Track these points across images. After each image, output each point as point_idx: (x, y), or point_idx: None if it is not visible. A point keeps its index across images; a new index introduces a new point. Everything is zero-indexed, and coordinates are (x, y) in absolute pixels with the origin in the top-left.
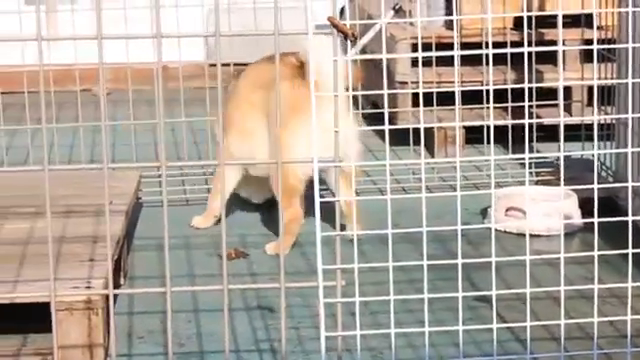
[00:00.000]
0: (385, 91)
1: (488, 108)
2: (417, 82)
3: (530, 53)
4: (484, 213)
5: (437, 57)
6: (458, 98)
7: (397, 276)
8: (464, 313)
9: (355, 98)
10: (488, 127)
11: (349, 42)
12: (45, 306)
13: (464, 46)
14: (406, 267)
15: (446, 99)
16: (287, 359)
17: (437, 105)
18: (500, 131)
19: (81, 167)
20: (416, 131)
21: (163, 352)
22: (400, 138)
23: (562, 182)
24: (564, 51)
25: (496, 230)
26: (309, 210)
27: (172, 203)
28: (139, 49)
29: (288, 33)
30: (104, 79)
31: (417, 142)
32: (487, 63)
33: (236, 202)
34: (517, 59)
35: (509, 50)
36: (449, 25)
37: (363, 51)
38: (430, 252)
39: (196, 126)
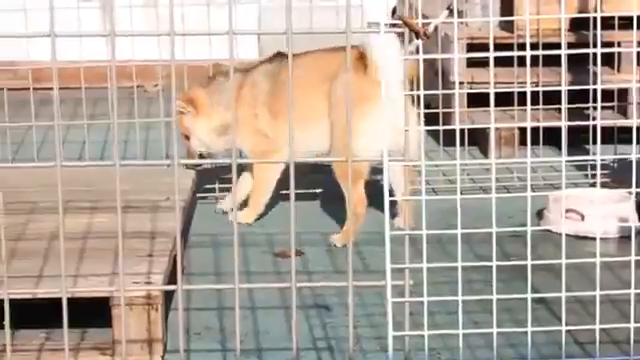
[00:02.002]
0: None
1: (537, 110)
2: (472, 82)
3: (586, 54)
4: (540, 214)
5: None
6: (492, 99)
7: (453, 277)
8: (521, 314)
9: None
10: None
11: (420, 40)
12: (104, 301)
13: (519, 47)
14: (462, 268)
15: (502, 100)
16: (352, 357)
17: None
18: (556, 132)
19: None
20: (470, 132)
21: (220, 348)
22: (453, 138)
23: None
24: (620, 53)
25: (553, 232)
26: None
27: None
28: (194, 46)
29: (359, 31)
30: (160, 75)
31: (471, 143)
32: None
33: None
34: (573, 60)
35: (563, 52)
36: (504, 26)
37: (416, 50)
38: (484, 253)
39: None
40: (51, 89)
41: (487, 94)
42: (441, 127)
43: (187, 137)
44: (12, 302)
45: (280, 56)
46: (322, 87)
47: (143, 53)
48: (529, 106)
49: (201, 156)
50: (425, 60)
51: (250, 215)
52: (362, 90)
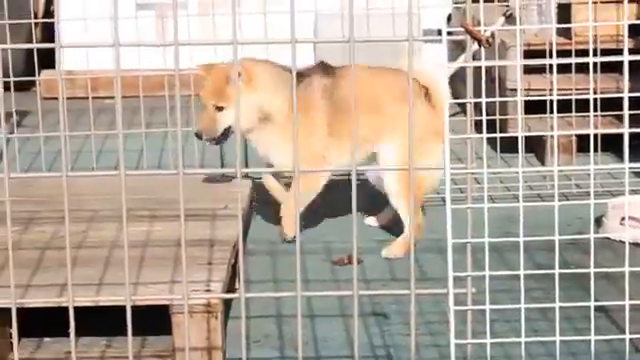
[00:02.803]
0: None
1: (596, 116)
2: (528, 89)
3: None
4: (598, 222)
5: (549, 64)
6: (548, 106)
7: (511, 285)
8: (580, 323)
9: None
10: (602, 135)
11: (482, 48)
12: (163, 309)
13: (577, 53)
14: (520, 276)
15: (559, 107)
16: None
17: (549, 112)
18: (612, 140)
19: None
20: (526, 139)
21: (279, 356)
22: (510, 146)
23: None
24: None
25: (612, 239)
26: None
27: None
28: (249, 54)
29: (423, 39)
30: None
31: (527, 150)
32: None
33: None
34: (633, 67)
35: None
36: (561, 32)
37: (472, 57)
38: (542, 261)
39: None
40: (108, 98)
41: (543, 102)
42: (498, 134)
43: (218, 108)
44: (74, 309)
45: (327, 68)
46: (387, 109)
47: (200, 61)
48: (592, 112)
49: (222, 134)
50: (479, 67)
51: (291, 226)
52: (433, 124)
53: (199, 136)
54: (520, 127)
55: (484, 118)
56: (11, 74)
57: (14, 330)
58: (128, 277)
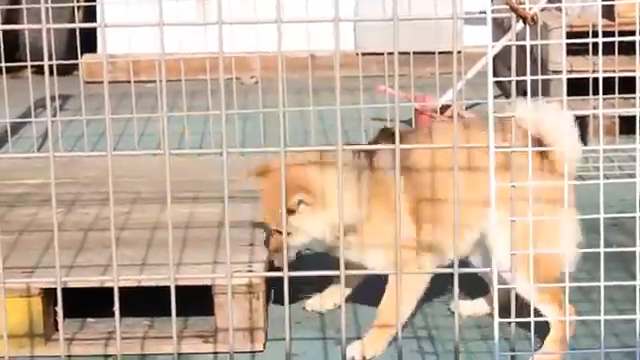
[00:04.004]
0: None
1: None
2: (571, 71)
3: None
4: None
5: (593, 45)
6: (591, 87)
7: None
8: (624, 304)
9: (503, 84)
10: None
11: (528, 26)
12: (204, 289)
13: (620, 34)
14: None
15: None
16: (457, 346)
17: (592, 94)
18: None
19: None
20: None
21: (321, 337)
22: None
23: None
24: None
25: None
26: None
27: None
28: (289, 37)
29: (467, 17)
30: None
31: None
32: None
33: None
34: None
35: None
36: (604, 14)
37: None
38: (584, 241)
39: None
40: (149, 81)
41: (585, 84)
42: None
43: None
44: (120, 289)
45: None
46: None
47: (240, 45)
48: (638, 93)
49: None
50: (522, 48)
51: (378, 342)
52: (554, 191)
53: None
54: (565, 105)
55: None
56: (54, 57)
57: (59, 310)
58: (171, 258)
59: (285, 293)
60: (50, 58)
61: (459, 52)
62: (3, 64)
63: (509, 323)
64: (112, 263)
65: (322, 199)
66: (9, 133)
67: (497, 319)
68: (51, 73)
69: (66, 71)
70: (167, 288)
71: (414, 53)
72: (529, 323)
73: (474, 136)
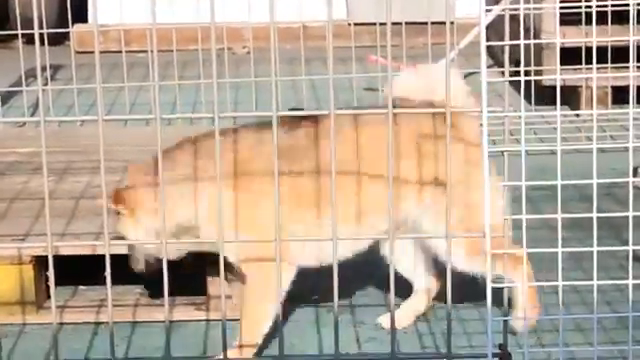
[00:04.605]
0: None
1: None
2: (563, 40)
3: None
4: (635, 173)
5: (586, 16)
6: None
7: (545, 235)
8: (616, 272)
9: (495, 54)
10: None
11: None
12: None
13: (612, 5)
14: (553, 226)
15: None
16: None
17: (584, 64)
18: None
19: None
20: (561, 90)
21: (314, 305)
22: (544, 97)
23: None
24: None
25: None
26: None
27: None
28: (282, 7)
29: None
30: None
31: (562, 102)
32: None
33: None
34: None
35: None
36: None
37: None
38: (577, 212)
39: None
40: (140, 51)
41: (577, 54)
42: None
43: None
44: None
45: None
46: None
47: (232, 15)
48: (632, 62)
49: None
50: (515, 18)
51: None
52: (468, 153)
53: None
54: (558, 71)
55: (506, 69)
56: (45, 27)
57: (51, 276)
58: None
59: (277, 259)
60: (41, 27)
61: (452, 22)
62: None
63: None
64: (103, 231)
65: (138, 206)
66: None
67: (489, 284)
68: (42, 43)
69: (57, 41)
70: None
71: (406, 23)
72: None
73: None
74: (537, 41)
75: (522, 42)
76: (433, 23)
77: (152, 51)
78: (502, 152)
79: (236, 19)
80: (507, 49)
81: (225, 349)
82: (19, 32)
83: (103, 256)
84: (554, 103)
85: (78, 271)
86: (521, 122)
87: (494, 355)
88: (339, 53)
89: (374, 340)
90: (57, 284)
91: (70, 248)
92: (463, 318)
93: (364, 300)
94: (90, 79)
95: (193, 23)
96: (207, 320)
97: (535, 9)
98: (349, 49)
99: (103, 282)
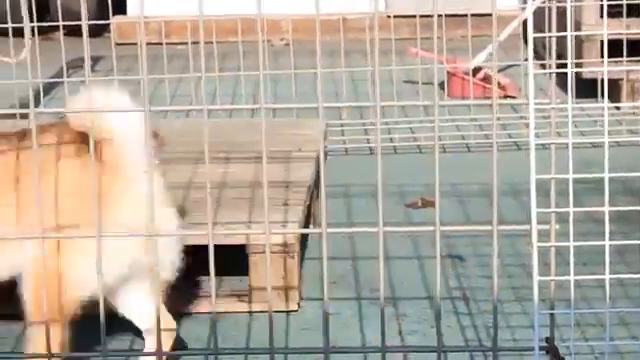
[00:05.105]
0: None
1: None
2: (608, 32)
3: None
4: None
5: (627, 8)
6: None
7: (590, 228)
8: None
9: (534, 47)
10: None
11: None
12: (239, 249)
13: None
14: (598, 219)
15: (634, 50)
16: (495, 306)
17: (626, 56)
18: None
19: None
20: (601, 84)
21: (354, 297)
22: (584, 90)
23: None
24: None
25: None
26: None
27: (355, 152)
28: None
29: None
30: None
31: (603, 94)
32: None
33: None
34: None
35: None
36: None
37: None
38: (622, 206)
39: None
40: (180, 43)
41: (618, 47)
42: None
43: None
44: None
45: None
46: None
47: (271, 7)
48: None
49: None
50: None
51: None
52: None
53: None
54: (605, 63)
55: (546, 62)
56: (85, 18)
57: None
58: (205, 217)
59: (324, 251)
60: (80, 19)
61: (490, 15)
62: (35, 24)
63: None
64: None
65: None
66: (42, 94)
67: (536, 277)
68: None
69: (96, 33)
70: (199, 248)
71: (445, 16)
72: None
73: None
74: (582, 33)
75: (569, 34)
76: (473, 15)
77: (198, 43)
78: (550, 144)
79: (274, 11)
80: (554, 41)
81: (272, 342)
82: (60, 24)
83: None
84: (593, 96)
85: None
86: (568, 114)
87: (541, 348)
88: (378, 45)
89: (416, 333)
90: None
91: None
92: (505, 312)
93: (405, 293)
94: (130, 71)
95: (233, 15)
96: (250, 312)
97: (576, 1)
98: (388, 41)
99: None
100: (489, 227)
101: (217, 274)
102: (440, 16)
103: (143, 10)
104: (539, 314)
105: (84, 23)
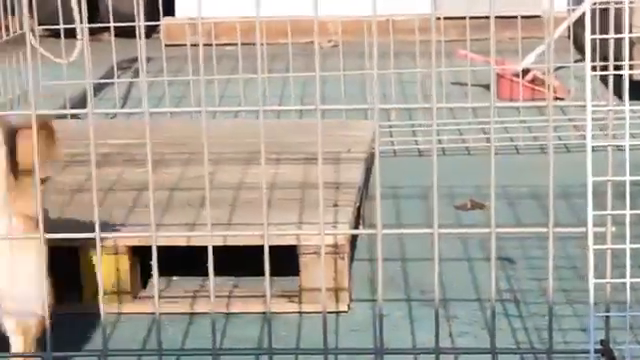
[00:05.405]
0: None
1: None
2: None
3: None
4: None
5: None
6: None
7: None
8: None
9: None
10: None
11: None
12: (289, 250)
13: None
14: None
15: None
16: (551, 308)
17: None
18: None
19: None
20: None
21: (404, 298)
22: (635, 93)
23: None
24: None
25: None
26: None
27: (404, 154)
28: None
29: None
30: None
31: None
32: None
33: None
34: None
35: None
36: None
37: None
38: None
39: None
40: (229, 45)
41: None
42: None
43: None
44: (203, 249)
45: None
46: None
47: (318, 9)
48: None
49: None
50: (605, 12)
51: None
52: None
53: None
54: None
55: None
56: (137, 19)
57: (154, 266)
58: (256, 218)
59: (379, 252)
60: (133, 21)
61: (539, 17)
62: (86, 25)
63: None
64: (197, 222)
65: None
66: (90, 95)
67: (592, 280)
68: (132, 36)
69: (146, 34)
70: (249, 249)
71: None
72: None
73: None
74: (635, 35)
75: (627, 36)
76: (523, 17)
77: (254, 44)
78: (607, 146)
79: (321, 13)
80: (612, 42)
81: (326, 342)
82: (112, 25)
83: (195, 247)
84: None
85: (171, 262)
86: (625, 116)
87: (596, 351)
88: (426, 47)
89: (467, 335)
90: (151, 275)
91: (168, 239)
92: (557, 314)
93: (455, 294)
94: (179, 72)
95: (282, 16)
96: (300, 312)
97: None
98: (436, 43)
99: (196, 273)
100: (545, 229)
101: (264, 274)
102: (487, 18)
103: (200, 12)
104: (595, 316)
105: (138, 25)
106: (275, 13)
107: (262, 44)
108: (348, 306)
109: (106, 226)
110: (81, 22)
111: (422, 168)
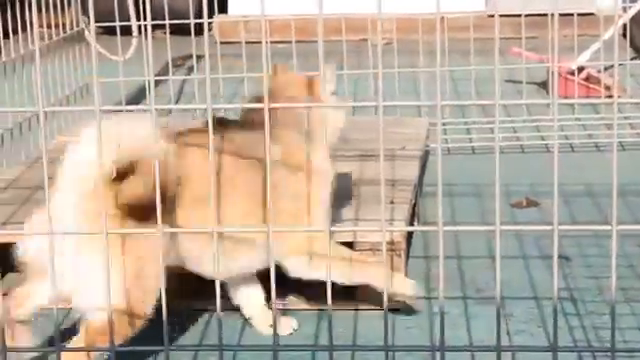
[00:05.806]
0: None
1: None
2: None
3: None
4: None
5: None
6: None
7: None
8: None
9: (638, 47)
10: None
11: None
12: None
13: None
14: None
15: None
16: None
17: None
18: None
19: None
20: None
21: (460, 296)
22: None
23: None
24: None
25: None
26: None
27: (458, 151)
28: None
29: None
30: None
31: None
32: None
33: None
34: None
35: None
36: None
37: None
38: None
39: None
40: (281, 42)
41: None
42: None
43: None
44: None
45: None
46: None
47: (368, 7)
48: None
49: None
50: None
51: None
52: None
53: None
54: None
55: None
56: (191, 17)
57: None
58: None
59: (440, 249)
60: (187, 18)
61: (593, 14)
62: (142, 23)
63: None
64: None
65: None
66: (148, 91)
67: None
68: (186, 33)
69: (198, 32)
70: None
71: (547, 15)
72: None
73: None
74: None
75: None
76: (579, 15)
77: (316, 41)
78: None
79: (373, 10)
80: None
81: (386, 339)
82: (167, 22)
83: None
84: None
85: None
86: None
87: None
88: (479, 45)
89: (523, 333)
90: None
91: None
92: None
93: (512, 292)
94: (231, 69)
95: (336, 13)
96: (356, 309)
97: None
98: (488, 41)
99: None
100: (608, 227)
101: None
102: (545, 15)
103: (264, 9)
104: None
105: (192, 22)
106: (329, 11)
107: (319, 41)
108: (404, 303)
109: None
110: (140, 19)
111: (475, 165)
